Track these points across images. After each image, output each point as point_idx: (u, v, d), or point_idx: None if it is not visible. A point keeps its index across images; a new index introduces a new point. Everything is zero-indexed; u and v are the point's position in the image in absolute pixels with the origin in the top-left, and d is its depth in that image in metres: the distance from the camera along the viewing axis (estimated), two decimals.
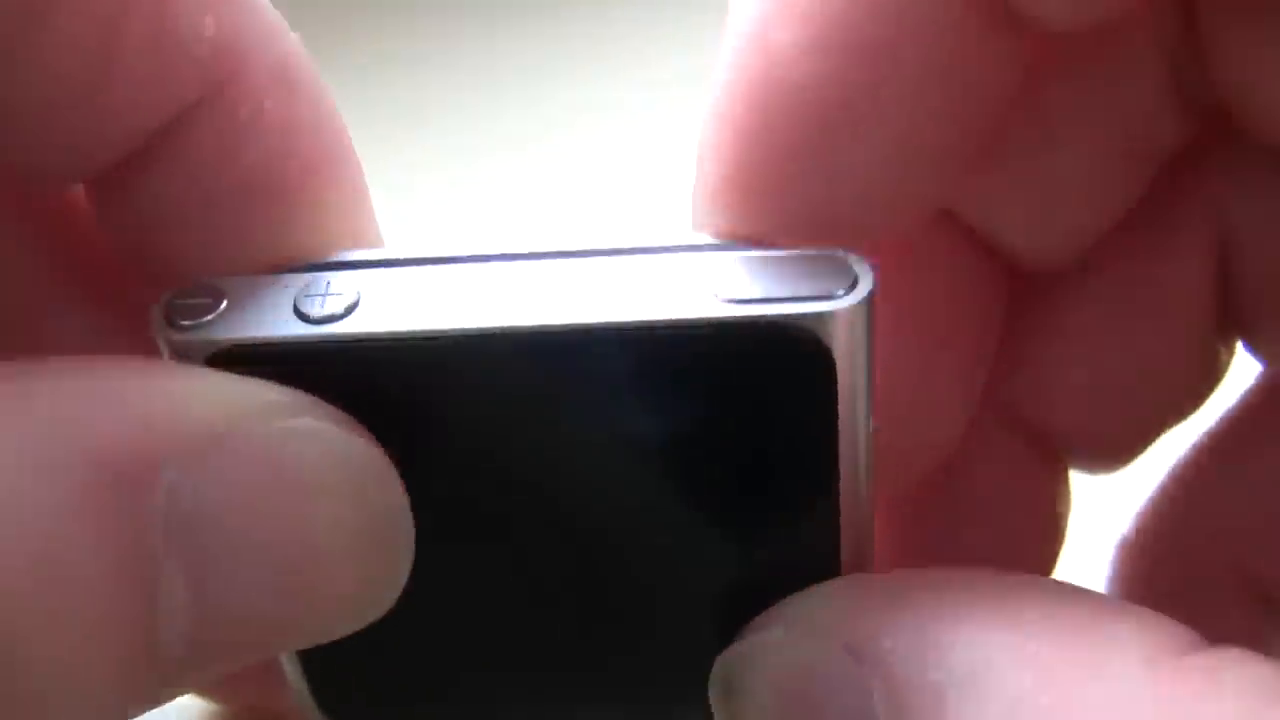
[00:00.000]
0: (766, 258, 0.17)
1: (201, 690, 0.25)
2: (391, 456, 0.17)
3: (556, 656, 0.21)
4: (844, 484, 0.18)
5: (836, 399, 0.17)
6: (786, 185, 0.18)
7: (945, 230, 0.21)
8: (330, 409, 0.17)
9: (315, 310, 0.17)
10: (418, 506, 0.17)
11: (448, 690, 0.21)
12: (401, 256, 0.18)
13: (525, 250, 0.18)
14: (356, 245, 0.18)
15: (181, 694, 0.16)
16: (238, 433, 0.15)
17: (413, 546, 0.17)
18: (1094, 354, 0.22)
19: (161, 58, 0.16)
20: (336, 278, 0.17)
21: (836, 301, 0.16)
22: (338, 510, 0.16)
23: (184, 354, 0.17)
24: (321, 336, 0.17)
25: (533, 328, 0.17)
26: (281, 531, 0.15)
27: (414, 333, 0.17)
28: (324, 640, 0.17)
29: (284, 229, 0.18)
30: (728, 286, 0.17)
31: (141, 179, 0.17)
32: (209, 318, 0.17)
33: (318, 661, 0.20)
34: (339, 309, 0.17)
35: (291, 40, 0.18)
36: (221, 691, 0.25)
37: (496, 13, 0.56)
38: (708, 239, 0.18)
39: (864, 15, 0.17)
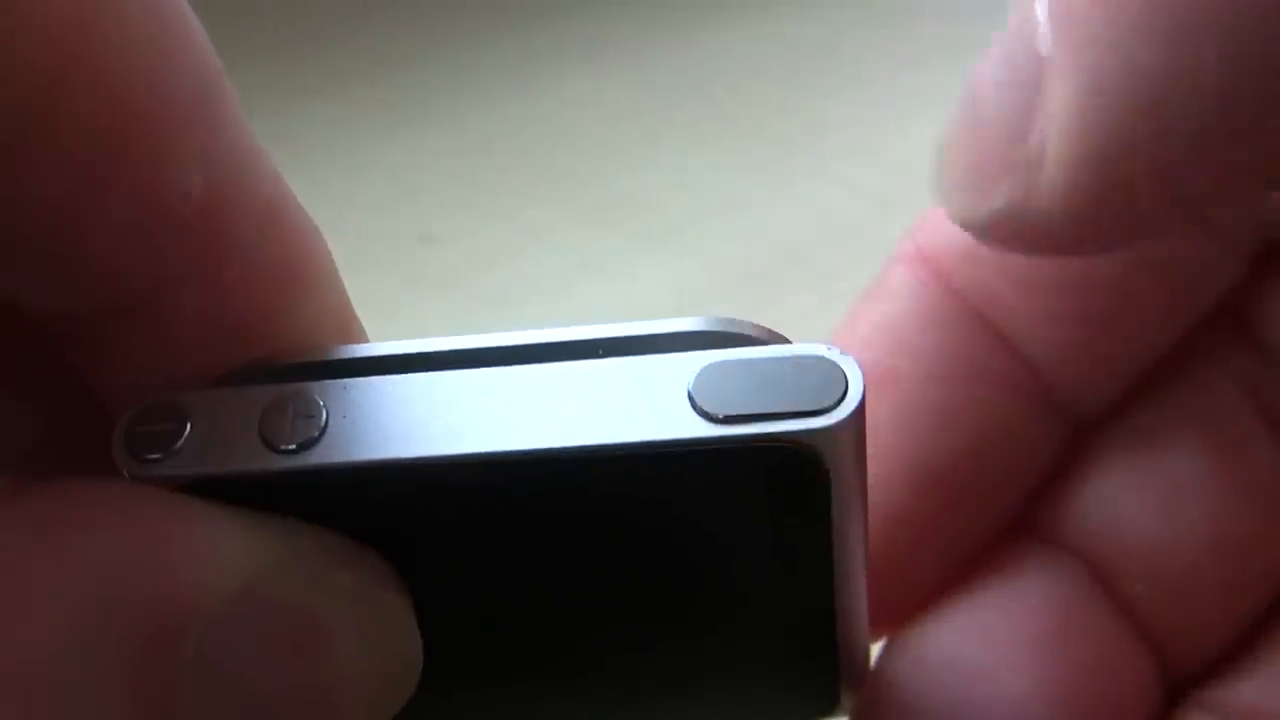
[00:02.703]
0: (749, 360, 0.16)
1: None
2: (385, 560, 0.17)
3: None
4: (839, 596, 0.18)
5: (831, 510, 0.17)
6: None
7: (1001, 366, 0.21)
8: (363, 557, 0.17)
9: (283, 438, 0.16)
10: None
11: None
12: (363, 356, 0.17)
13: (491, 347, 0.17)
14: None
15: None
16: (265, 589, 0.15)
17: (419, 664, 0.17)
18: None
19: (145, 225, 0.15)
20: (301, 395, 0.16)
21: (829, 416, 0.16)
22: (359, 663, 0.16)
23: (149, 485, 0.16)
24: (291, 468, 0.16)
25: (509, 453, 0.16)
26: (303, 683, 0.16)
27: (387, 461, 0.16)
28: None
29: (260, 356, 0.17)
30: (711, 398, 0.16)
31: (116, 337, 0.17)
32: (174, 447, 0.16)
33: None
34: (307, 435, 0.16)
35: (272, 170, 0.17)
36: None
37: (496, 13, 0.56)
38: (687, 326, 0.17)
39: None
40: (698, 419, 0.16)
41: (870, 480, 0.18)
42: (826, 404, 0.15)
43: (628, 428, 0.16)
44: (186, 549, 0.15)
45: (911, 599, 0.21)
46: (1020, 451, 0.21)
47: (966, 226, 0.19)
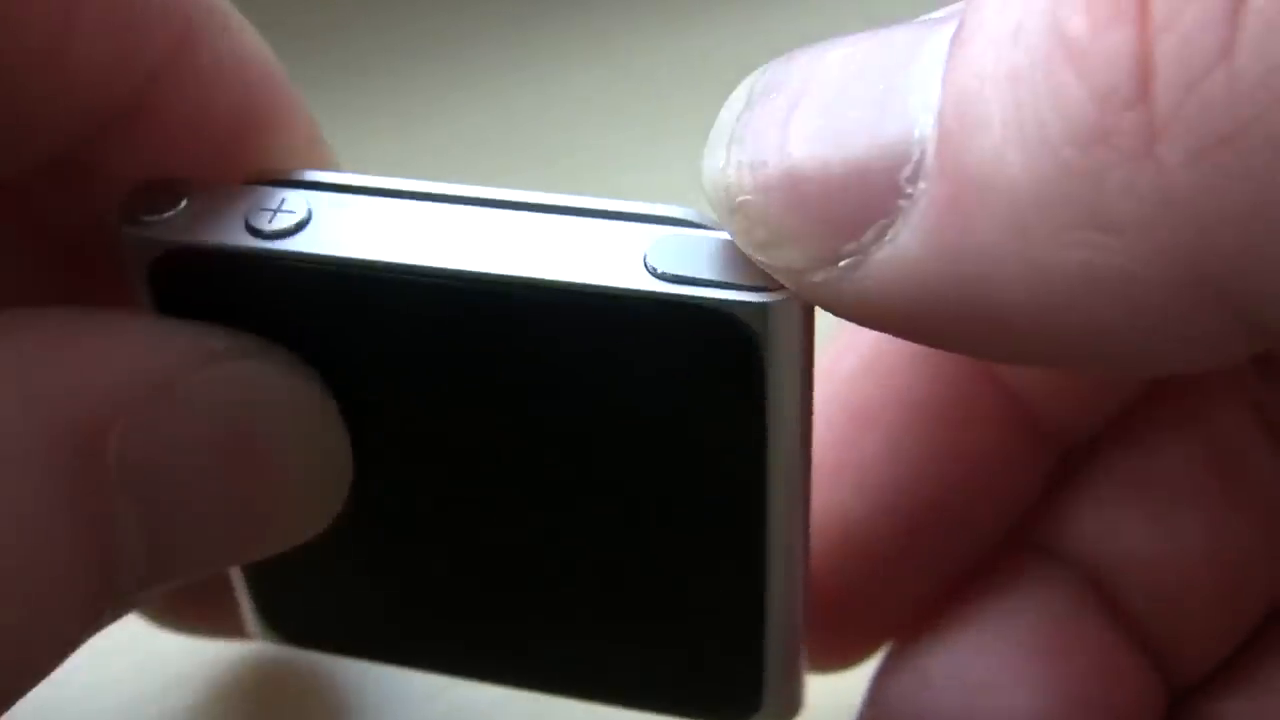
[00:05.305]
0: (710, 239, 0.17)
1: (158, 619, 0.25)
2: (326, 372, 0.18)
3: (482, 585, 0.21)
4: (772, 489, 0.18)
5: (766, 396, 0.17)
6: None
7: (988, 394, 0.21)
8: (275, 348, 0.17)
9: (264, 225, 0.17)
10: (349, 425, 0.18)
11: (377, 615, 0.22)
12: (360, 184, 0.18)
13: (479, 197, 0.18)
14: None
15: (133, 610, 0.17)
16: (180, 383, 0.16)
17: (350, 471, 0.18)
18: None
19: (120, 20, 0.16)
20: (293, 195, 0.18)
21: (771, 295, 0.16)
22: (279, 450, 0.17)
23: (133, 249, 0.18)
24: (260, 251, 0.17)
25: (463, 272, 0.17)
26: (226, 473, 0.16)
27: (350, 260, 0.17)
28: (266, 557, 0.18)
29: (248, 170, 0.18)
30: (666, 261, 0.17)
31: (105, 157, 0.18)
32: (165, 215, 0.17)
33: (262, 583, 0.22)
34: (286, 226, 0.17)
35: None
36: (176, 621, 0.25)
37: (496, 11, 0.56)
38: (664, 211, 0.18)
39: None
40: (645, 275, 0.17)
41: (862, 510, 0.18)
42: (774, 285, 0.16)
43: (580, 271, 0.17)
44: (106, 351, 0.16)
45: (893, 620, 0.21)
46: (1008, 482, 0.21)
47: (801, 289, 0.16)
